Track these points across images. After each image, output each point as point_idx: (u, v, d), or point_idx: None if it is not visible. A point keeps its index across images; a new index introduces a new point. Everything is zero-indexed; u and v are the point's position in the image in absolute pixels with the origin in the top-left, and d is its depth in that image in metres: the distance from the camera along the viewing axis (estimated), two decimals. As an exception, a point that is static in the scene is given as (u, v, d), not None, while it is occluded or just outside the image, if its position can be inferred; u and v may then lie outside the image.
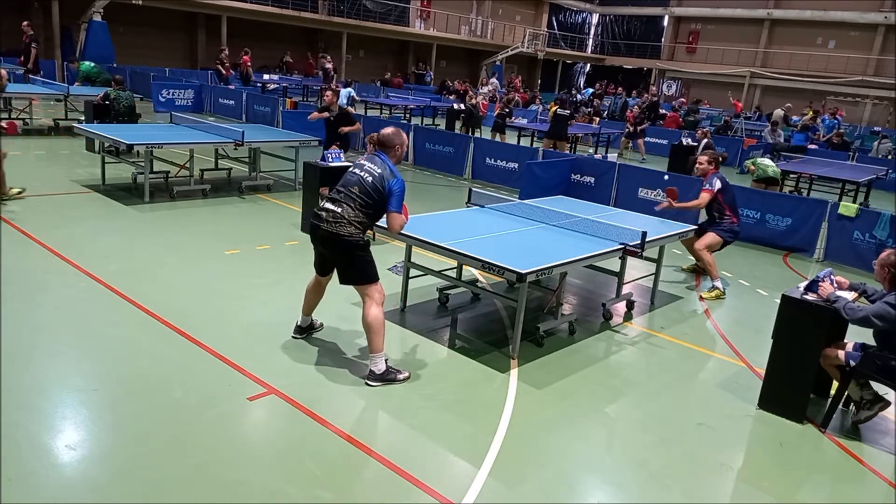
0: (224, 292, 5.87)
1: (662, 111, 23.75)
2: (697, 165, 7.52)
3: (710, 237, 7.25)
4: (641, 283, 6.93)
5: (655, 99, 24.47)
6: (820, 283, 4.47)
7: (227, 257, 6.85)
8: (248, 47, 23.62)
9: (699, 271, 7.87)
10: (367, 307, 4.51)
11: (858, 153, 18.87)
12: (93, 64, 16.41)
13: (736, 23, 36.78)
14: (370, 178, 4.50)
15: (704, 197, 7.20)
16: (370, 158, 4.65)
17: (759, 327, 6.32)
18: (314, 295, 4.98)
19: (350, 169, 4.67)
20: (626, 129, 18.44)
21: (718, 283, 7.20)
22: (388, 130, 4.73)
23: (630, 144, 18.54)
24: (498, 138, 15.85)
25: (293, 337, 5.07)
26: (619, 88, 31.20)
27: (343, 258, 4.53)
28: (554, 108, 15.96)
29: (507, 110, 17.05)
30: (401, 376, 4.60)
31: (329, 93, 10.55)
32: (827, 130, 20.94)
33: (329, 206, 4.52)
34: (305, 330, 5.13)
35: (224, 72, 21.09)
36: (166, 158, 9.87)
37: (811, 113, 23.46)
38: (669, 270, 7.71)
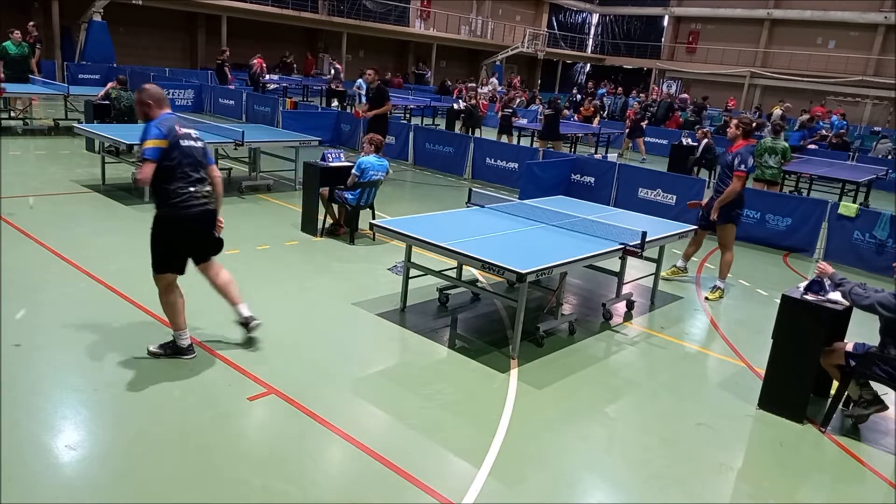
0: (224, 292, 5.85)
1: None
2: (728, 130, 6.88)
3: (732, 229, 6.87)
4: (641, 283, 6.93)
5: (669, 101, 24.34)
6: (819, 266, 4.48)
7: (226, 257, 6.80)
8: (248, 47, 23.50)
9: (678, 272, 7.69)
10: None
11: (858, 153, 18.87)
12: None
13: (736, 23, 36.76)
14: (203, 146, 4.59)
15: (737, 182, 6.59)
16: (186, 125, 4.52)
17: (759, 327, 6.32)
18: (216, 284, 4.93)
19: (189, 143, 4.42)
20: (626, 128, 18.46)
21: (722, 283, 7.12)
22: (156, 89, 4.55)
23: (630, 144, 18.55)
24: (504, 139, 15.80)
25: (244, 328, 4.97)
26: (619, 89, 31.13)
27: (212, 233, 4.68)
28: (544, 113, 16.32)
29: (509, 110, 16.85)
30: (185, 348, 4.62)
31: (371, 71, 11.60)
32: (835, 131, 21.08)
33: (204, 187, 4.49)
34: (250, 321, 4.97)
35: (229, 76, 20.61)
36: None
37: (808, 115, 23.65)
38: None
